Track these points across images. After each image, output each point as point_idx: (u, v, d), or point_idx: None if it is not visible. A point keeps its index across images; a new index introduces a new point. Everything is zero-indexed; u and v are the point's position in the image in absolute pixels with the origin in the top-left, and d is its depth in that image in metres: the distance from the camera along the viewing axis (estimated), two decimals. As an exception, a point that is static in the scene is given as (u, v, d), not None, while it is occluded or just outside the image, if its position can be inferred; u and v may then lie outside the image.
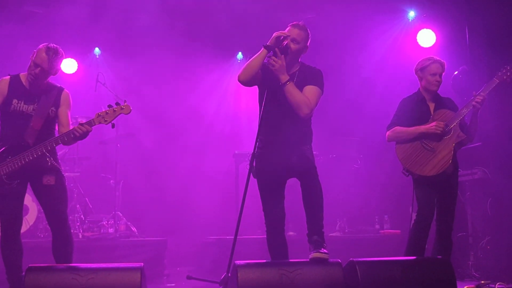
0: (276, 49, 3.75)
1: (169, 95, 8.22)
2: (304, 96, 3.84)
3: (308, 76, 4.08)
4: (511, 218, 5.45)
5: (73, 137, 3.97)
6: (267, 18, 6.71)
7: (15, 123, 4.13)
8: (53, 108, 4.20)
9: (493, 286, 4.42)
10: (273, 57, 3.72)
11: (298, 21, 4.29)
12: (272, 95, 3.92)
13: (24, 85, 4.16)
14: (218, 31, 7.72)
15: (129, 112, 4.08)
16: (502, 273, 5.18)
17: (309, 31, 4.03)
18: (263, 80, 4.01)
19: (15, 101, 4.07)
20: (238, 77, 3.99)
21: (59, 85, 4.39)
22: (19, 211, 4.15)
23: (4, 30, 6.96)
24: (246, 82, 4.01)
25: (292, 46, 3.88)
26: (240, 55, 8.61)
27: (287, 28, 3.99)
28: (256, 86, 4.13)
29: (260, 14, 7.03)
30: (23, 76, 4.18)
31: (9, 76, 4.19)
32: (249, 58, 3.98)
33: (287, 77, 3.81)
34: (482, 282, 4.74)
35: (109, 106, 4.00)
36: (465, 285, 4.61)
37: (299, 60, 4.11)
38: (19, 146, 4.01)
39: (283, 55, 3.78)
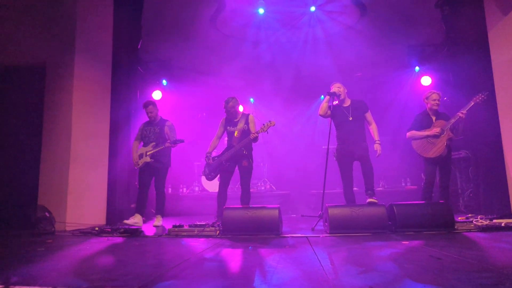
0: (330, 93, 4.72)
1: (290, 120, 9.41)
2: (373, 124, 4.82)
3: (359, 105, 4.81)
4: (483, 178, 5.88)
5: (253, 139, 4.81)
6: (332, 77, 6.83)
7: (229, 136, 5.08)
8: (245, 125, 5.00)
9: (476, 217, 4.49)
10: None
11: (353, 75, 5.48)
12: (344, 119, 4.76)
13: (229, 118, 5.11)
14: (310, 85, 9.08)
15: (274, 124, 4.84)
16: (481, 210, 5.57)
17: (341, 83, 4.86)
18: (333, 113, 4.79)
19: (228, 127, 5.11)
20: (319, 113, 4.93)
21: (247, 113, 5.21)
22: (228, 179, 5.06)
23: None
24: (322, 115, 4.89)
25: (337, 91, 4.76)
26: (322, 97, 8.99)
27: (332, 85, 4.87)
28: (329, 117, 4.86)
29: (331, 75, 7.41)
30: (225, 118, 5.14)
31: (225, 117, 5.19)
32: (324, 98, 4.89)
33: (378, 139, 4.76)
34: (469, 215, 5.01)
35: (265, 122, 4.85)
36: (459, 217, 4.71)
37: (348, 97, 4.88)
38: (230, 146, 4.99)
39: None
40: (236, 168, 5.07)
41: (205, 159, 5.12)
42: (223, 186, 5.00)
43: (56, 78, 5.11)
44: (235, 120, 5.08)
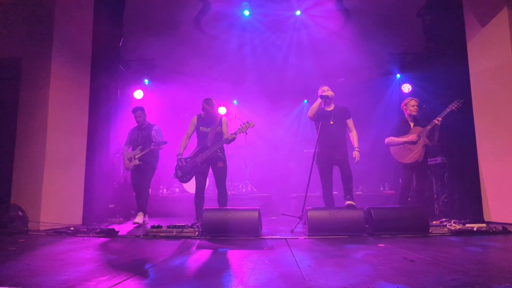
0: (323, 96, 4.77)
1: (273, 123, 9.36)
2: (354, 131, 4.86)
3: (341, 111, 4.89)
4: (458, 184, 5.97)
5: (231, 140, 4.83)
6: (316, 81, 7.10)
7: (202, 136, 5.03)
8: (219, 127, 5.03)
9: (450, 222, 4.55)
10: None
11: (336, 81, 5.55)
12: (326, 124, 4.80)
13: (203, 118, 5.10)
14: (294, 89, 8.83)
15: (253, 126, 4.90)
16: (454, 215, 5.58)
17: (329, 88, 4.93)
18: (319, 117, 4.83)
19: (201, 127, 5.05)
20: (308, 114, 4.91)
21: (221, 115, 5.26)
22: (204, 180, 5.05)
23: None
24: (311, 117, 4.89)
25: (330, 94, 4.82)
26: (305, 101, 9.31)
27: (320, 88, 4.93)
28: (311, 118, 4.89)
29: (315, 80, 7.64)
30: (201, 114, 5.12)
31: (196, 115, 5.16)
32: (310, 103, 5.15)
33: (358, 147, 4.77)
34: (443, 219, 5.02)
35: (244, 123, 4.88)
36: (433, 221, 4.88)
37: (332, 102, 4.93)
38: (204, 147, 4.94)
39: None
40: (210, 169, 5.06)
41: (177, 161, 5.01)
42: (201, 188, 4.95)
43: (32, 74, 4.97)
44: (209, 121, 5.06)
